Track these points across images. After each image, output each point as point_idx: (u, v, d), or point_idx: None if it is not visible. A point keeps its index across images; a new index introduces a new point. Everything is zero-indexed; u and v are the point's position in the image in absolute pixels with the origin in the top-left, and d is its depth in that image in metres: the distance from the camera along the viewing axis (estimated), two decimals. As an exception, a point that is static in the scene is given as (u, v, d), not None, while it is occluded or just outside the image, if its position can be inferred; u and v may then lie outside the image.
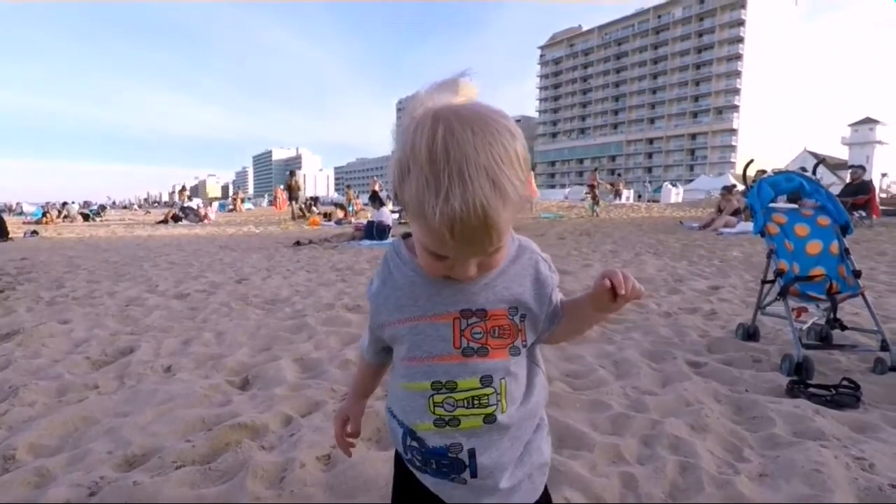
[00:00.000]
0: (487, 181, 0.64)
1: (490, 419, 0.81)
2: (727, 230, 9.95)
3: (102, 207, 30.42)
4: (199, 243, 10.29)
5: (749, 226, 9.61)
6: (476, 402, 0.81)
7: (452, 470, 0.82)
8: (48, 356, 2.96)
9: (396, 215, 13.68)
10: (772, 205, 3.06)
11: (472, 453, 0.81)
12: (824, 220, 2.95)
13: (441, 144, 0.64)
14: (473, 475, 0.82)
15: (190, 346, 3.13)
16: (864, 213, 10.38)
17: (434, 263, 0.74)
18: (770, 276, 2.94)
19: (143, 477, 1.65)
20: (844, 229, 2.91)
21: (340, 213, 16.95)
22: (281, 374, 2.60)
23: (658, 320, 3.61)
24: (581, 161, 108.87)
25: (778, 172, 3.24)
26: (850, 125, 72.37)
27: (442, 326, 0.80)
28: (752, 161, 3.40)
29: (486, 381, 0.81)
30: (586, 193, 18.88)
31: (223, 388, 2.47)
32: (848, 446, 1.80)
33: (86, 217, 21.75)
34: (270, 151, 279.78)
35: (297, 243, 9.37)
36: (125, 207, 56.14)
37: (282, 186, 19.81)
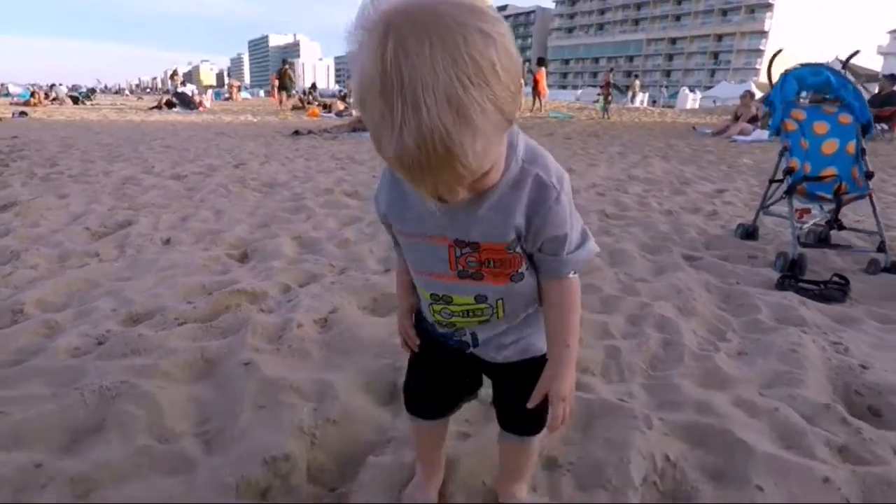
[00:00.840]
0: (450, 111, 0.52)
1: (484, 322, 0.88)
2: (741, 138, 9.63)
3: (92, 91, 29.13)
4: (195, 129, 10.01)
5: (764, 134, 9.30)
6: (471, 313, 0.86)
7: (460, 345, 0.94)
8: (47, 226, 2.98)
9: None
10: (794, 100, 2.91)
11: (474, 335, 0.91)
12: (846, 118, 2.82)
13: (393, 67, 0.52)
14: (476, 346, 0.93)
15: (188, 222, 3.14)
16: (886, 127, 9.98)
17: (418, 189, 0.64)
18: (779, 175, 2.88)
19: (147, 331, 1.72)
20: (865, 129, 2.79)
21: (341, 105, 16.32)
22: (280, 249, 2.63)
23: (659, 218, 3.60)
24: (596, 60, 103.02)
25: (805, 65, 3.04)
26: (889, 32, 67.47)
27: (439, 248, 0.79)
28: (780, 51, 3.17)
29: (481, 299, 0.84)
30: (598, 94, 18.02)
31: (223, 260, 2.51)
32: (827, 333, 1.86)
33: (75, 100, 20.95)
34: (267, 37, 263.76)
35: (296, 133, 9.13)
36: (116, 92, 53.85)
37: (276, 74, 18.77)
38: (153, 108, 17.78)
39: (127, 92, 52.99)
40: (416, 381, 1.04)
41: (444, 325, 0.90)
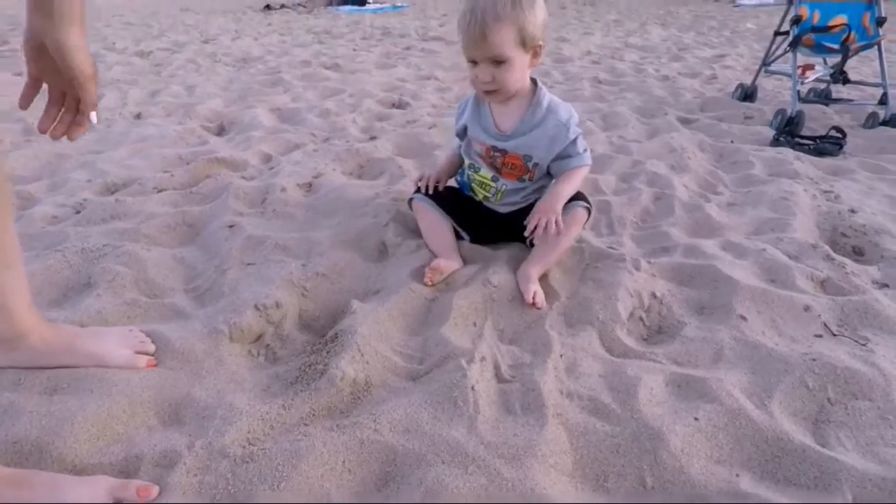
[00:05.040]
0: (491, 7, 1.10)
1: (487, 198, 1.40)
2: (745, 2, 9.00)
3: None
4: (157, 5, 9.14)
5: (770, -3, 8.68)
6: (484, 185, 1.38)
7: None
8: (5, 102, 2.78)
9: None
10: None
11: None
12: (867, -43, 2.57)
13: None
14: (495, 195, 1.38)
15: (158, 97, 2.95)
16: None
17: (472, 73, 1.20)
18: (785, 27, 2.69)
19: (125, 198, 1.66)
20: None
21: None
22: (258, 120, 2.49)
23: (654, 83, 3.43)
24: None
25: None
26: None
27: (481, 149, 1.34)
28: None
29: (495, 179, 1.35)
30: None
31: (198, 133, 2.39)
32: (819, 183, 1.84)
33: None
34: None
35: (268, 7, 8.38)
36: None
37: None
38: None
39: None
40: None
41: (470, 181, 1.41)
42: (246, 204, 1.65)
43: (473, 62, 1.18)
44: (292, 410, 0.90)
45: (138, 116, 2.62)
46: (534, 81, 1.28)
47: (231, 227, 1.49)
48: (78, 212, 1.62)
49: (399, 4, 9.15)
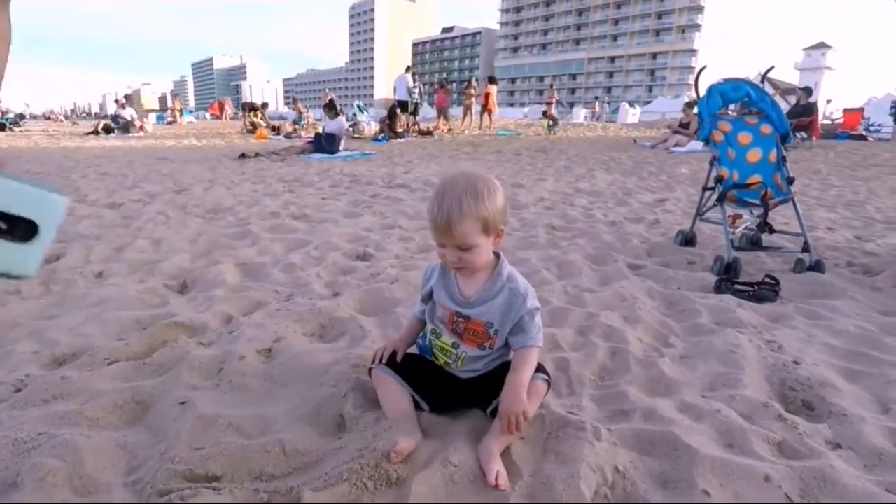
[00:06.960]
0: (456, 203, 1.20)
1: (448, 363, 1.43)
2: (678, 149, 10.13)
3: (21, 116, 27.34)
4: (134, 155, 9.61)
5: (698, 145, 9.83)
6: (445, 351, 1.42)
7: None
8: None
9: (350, 128, 13.14)
10: (719, 112, 3.08)
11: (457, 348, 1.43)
12: (767, 129, 3.01)
13: (442, 188, 1.25)
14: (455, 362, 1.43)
15: (123, 253, 2.98)
16: (805, 135, 10.75)
17: (440, 251, 1.28)
18: (710, 184, 3.02)
19: (71, 373, 1.60)
20: (784, 138, 2.98)
21: (290, 127, 16.10)
22: (221, 277, 2.52)
23: (603, 228, 3.70)
24: (541, 79, 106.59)
25: (727, 80, 3.23)
26: (804, 49, 73.35)
27: (445, 314, 1.40)
28: (704, 67, 3.37)
29: (455, 346, 1.41)
30: (543, 112, 18.44)
31: (160, 292, 2.38)
32: (762, 332, 1.94)
33: (1, 127, 19.68)
34: (211, 59, 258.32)
35: (243, 156, 8.91)
36: (48, 118, 50.21)
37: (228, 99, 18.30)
38: (89, 133, 16.97)
39: (61, 117, 49.43)
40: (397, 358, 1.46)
41: (432, 347, 1.45)
42: (201, 375, 1.60)
43: (442, 245, 1.26)
44: None
45: (100, 275, 2.62)
46: (497, 255, 1.37)
47: (183, 403, 1.43)
48: (18, 390, 1.54)
49: (367, 151, 9.91)
